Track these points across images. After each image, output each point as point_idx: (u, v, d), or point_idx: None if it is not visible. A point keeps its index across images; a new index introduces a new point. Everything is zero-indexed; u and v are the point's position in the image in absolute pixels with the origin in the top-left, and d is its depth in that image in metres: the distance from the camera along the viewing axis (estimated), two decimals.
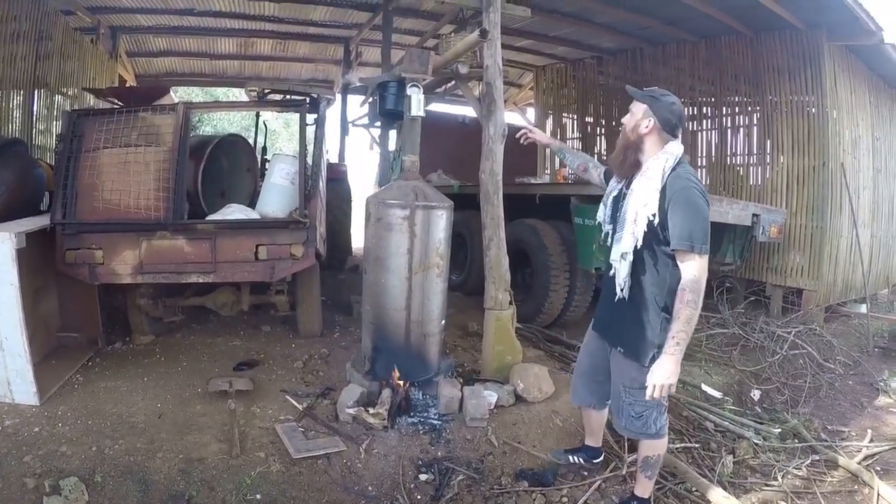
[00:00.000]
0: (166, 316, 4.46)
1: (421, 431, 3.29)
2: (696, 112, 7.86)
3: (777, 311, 6.54)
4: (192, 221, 3.86)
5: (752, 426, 3.86)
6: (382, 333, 3.54)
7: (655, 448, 2.63)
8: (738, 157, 7.34)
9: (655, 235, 2.28)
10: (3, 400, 3.27)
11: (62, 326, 4.10)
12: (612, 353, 2.58)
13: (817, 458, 3.59)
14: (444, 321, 3.69)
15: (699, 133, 7.83)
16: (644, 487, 2.74)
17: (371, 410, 3.25)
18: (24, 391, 3.27)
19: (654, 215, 2.26)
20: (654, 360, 2.30)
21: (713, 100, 7.59)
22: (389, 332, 3.50)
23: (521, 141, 3.22)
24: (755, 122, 7.07)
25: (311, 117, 4.19)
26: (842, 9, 5.52)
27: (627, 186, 2.45)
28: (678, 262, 2.25)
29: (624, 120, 2.50)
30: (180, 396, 3.54)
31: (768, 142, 6.84)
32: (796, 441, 3.77)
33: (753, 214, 5.39)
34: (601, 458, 3.16)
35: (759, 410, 4.34)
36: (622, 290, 2.41)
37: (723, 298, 6.15)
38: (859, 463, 3.53)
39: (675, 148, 2.36)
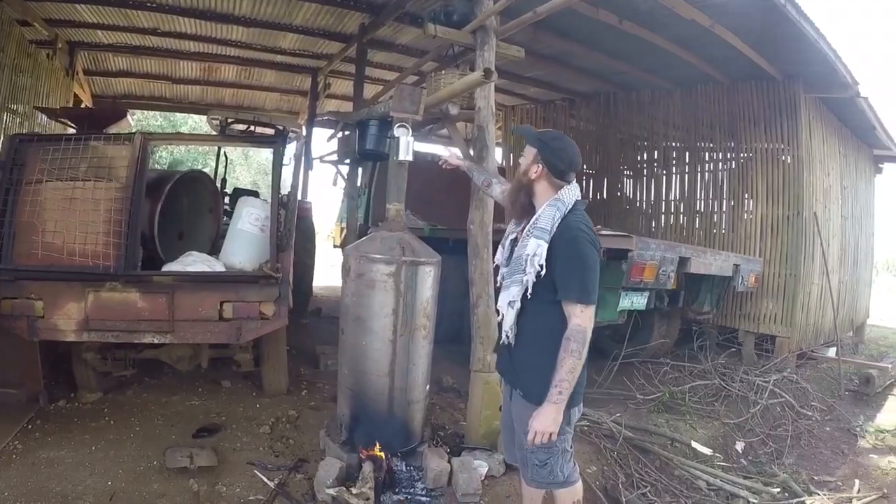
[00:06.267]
0: (116, 370, 4.00)
1: None
2: (667, 158, 7.87)
3: (750, 357, 6.54)
4: (147, 273, 3.46)
5: (745, 485, 3.76)
6: (362, 401, 3.21)
7: (573, 495, 2.46)
8: (712, 204, 7.33)
9: (544, 284, 2.22)
10: None
11: None
12: (514, 397, 2.43)
13: None
14: (428, 386, 3.40)
15: (672, 177, 7.82)
16: None
17: (354, 490, 2.90)
18: None
19: (541, 266, 2.20)
20: None
21: (686, 146, 7.61)
22: (370, 399, 3.18)
23: (444, 167, 3.30)
24: (729, 169, 7.10)
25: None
26: (822, 61, 5.59)
27: (522, 231, 2.37)
28: (564, 312, 2.18)
29: (520, 160, 2.42)
30: (134, 471, 3.12)
31: (742, 190, 6.88)
32: (787, 495, 3.70)
33: (734, 264, 5.40)
34: None
35: (745, 463, 4.28)
36: (508, 336, 2.35)
37: (696, 345, 6.12)
38: None
39: (568, 195, 2.28)
